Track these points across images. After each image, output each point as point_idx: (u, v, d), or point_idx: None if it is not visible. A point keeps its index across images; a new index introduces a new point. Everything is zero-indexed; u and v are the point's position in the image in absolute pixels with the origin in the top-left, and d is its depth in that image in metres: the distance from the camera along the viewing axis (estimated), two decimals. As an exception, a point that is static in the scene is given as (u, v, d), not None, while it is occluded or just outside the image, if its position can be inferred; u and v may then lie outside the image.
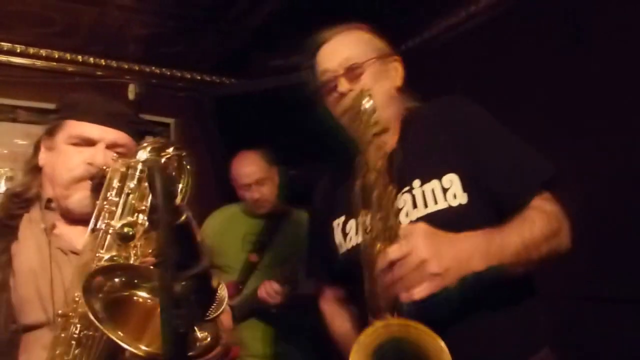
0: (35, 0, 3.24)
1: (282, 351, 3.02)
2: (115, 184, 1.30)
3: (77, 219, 1.47)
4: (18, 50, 3.71)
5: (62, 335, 1.23)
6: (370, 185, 1.31)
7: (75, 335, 1.22)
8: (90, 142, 1.47)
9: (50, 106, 3.60)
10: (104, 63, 3.86)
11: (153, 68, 3.96)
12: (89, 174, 1.43)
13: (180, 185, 1.29)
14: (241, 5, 3.31)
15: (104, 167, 1.39)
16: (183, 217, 0.89)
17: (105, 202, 1.29)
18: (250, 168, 3.06)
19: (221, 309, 1.11)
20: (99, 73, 3.86)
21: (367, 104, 1.37)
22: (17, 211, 1.49)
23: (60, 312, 1.25)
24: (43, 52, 3.76)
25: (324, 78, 1.53)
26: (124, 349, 1.06)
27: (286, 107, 3.56)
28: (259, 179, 3.05)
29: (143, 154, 1.29)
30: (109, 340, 1.10)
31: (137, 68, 3.92)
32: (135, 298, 1.16)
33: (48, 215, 1.48)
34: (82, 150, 1.47)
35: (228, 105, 3.80)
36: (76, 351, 1.21)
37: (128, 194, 1.28)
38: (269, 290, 2.83)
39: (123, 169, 1.29)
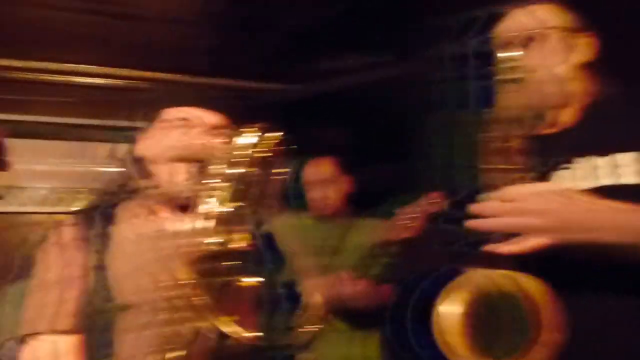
0: (108, 22, 3.42)
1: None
2: (218, 169, 1.31)
3: (176, 204, 1.51)
4: (95, 71, 3.93)
5: (166, 317, 1.26)
6: (491, 138, 1.30)
7: (179, 319, 1.24)
8: (187, 125, 1.51)
9: (125, 124, 3.83)
10: (176, 78, 3.91)
11: (220, 79, 4.01)
12: (187, 157, 1.47)
13: (276, 171, 1.32)
14: (300, 10, 3.37)
15: (204, 151, 1.42)
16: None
17: (208, 187, 1.31)
18: (317, 172, 3.13)
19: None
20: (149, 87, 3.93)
21: (513, 52, 1.37)
22: (118, 199, 1.54)
23: (163, 294, 1.27)
24: (117, 71, 3.95)
25: (497, 43, 1.48)
26: (227, 335, 1.10)
27: (353, 109, 3.60)
28: (325, 183, 3.11)
29: (245, 139, 1.31)
30: (214, 325, 1.14)
31: (204, 80, 3.99)
32: (240, 283, 1.20)
33: (148, 201, 1.52)
34: (179, 133, 1.50)
35: (293, 112, 3.85)
36: (180, 334, 1.24)
37: (230, 179, 1.29)
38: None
39: (226, 154, 1.31)
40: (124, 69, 3.97)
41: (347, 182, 3.21)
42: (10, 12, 3.28)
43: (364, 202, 3.28)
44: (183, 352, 1.20)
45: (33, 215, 3.81)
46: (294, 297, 1.48)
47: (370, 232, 3.12)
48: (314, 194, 3.13)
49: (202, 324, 1.16)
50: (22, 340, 1.41)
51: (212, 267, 1.18)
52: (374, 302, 2.87)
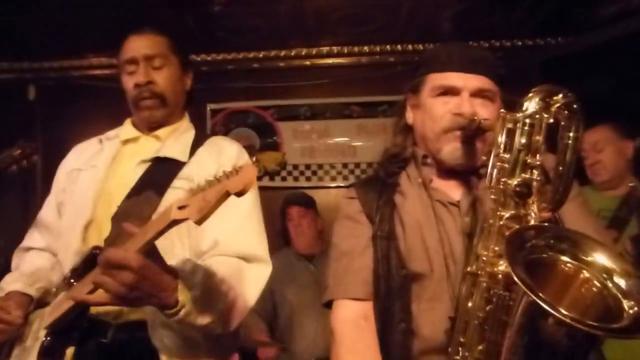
0: (356, 2, 3.52)
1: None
2: (504, 139, 1.26)
3: (451, 172, 1.50)
4: (345, 51, 4.11)
5: (472, 291, 1.26)
6: None
7: (486, 295, 1.23)
8: (453, 91, 1.47)
9: (379, 99, 3.96)
10: (422, 48, 3.98)
11: (470, 43, 3.86)
12: (458, 125, 1.43)
13: (571, 134, 1.20)
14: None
15: (475, 118, 1.38)
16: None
17: (496, 159, 1.26)
18: (592, 136, 2.90)
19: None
20: (408, 59, 3.93)
21: None
22: (395, 169, 1.57)
23: (468, 269, 1.28)
24: (366, 48, 4.09)
25: None
26: (544, 314, 1.02)
27: (628, 61, 3.20)
28: (595, 144, 2.90)
29: (530, 105, 1.22)
30: (527, 303, 1.08)
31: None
32: (554, 261, 1.13)
33: (424, 171, 1.53)
34: (447, 100, 1.47)
35: (554, 69, 3.57)
36: (488, 308, 1.22)
37: (519, 150, 1.23)
38: None
39: (510, 125, 1.24)
40: (373, 46, 4.11)
41: (628, 147, 2.92)
42: (271, 8, 3.54)
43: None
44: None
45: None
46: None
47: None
48: (588, 161, 2.94)
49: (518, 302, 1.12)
50: (327, 305, 1.52)
51: (526, 242, 1.13)
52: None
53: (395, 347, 1.39)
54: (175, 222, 1.17)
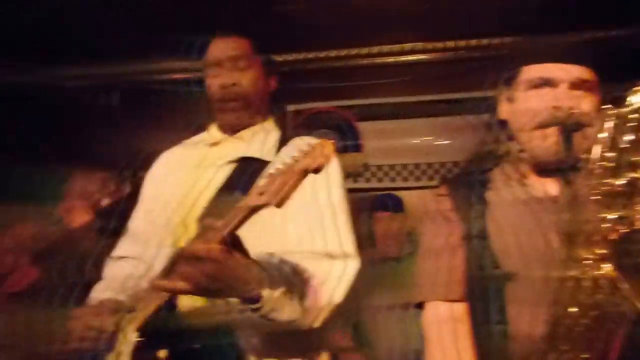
0: None
1: None
2: (607, 136, 1.17)
3: (547, 168, 1.42)
4: (430, 47, 4.03)
5: (573, 295, 1.19)
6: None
7: (589, 300, 1.16)
8: (551, 83, 1.39)
9: (464, 95, 3.86)
10: (509, 41, 3.77)
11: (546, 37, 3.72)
12: (555, 119, 1.35)
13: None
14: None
15: (574, 112, 1.31)
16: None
17: (598, 158, 1.18)
18: None
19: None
20: (493, 53, 3.81)
21: None
22: (488, 166, 1.52)
23: (570, 273, 1.20)
24: (451, 43, 4.00)
25: None
26: None
27: None
28: None
29: (637, 98, 1.14)
30: (634, 310, 1.04)
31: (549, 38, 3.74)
32: None
33: (520, 167, 1.48)
34: (544, 93, 1.40)
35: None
36: (591, 314, 1.16)
37: (624, 148, 1.15)
38: None
39: (614, 121, 1.16)
40: (458, 41, 4.00)
41: None
42: (351, 4, 3.52)
43: None
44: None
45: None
46: None
47: None
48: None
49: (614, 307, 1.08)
50: (417, 305, 1.49)
51: (623, 245, 1.08)
52: None
53: (491, 350, 1.35)
54: (255, 209, 1.17)
